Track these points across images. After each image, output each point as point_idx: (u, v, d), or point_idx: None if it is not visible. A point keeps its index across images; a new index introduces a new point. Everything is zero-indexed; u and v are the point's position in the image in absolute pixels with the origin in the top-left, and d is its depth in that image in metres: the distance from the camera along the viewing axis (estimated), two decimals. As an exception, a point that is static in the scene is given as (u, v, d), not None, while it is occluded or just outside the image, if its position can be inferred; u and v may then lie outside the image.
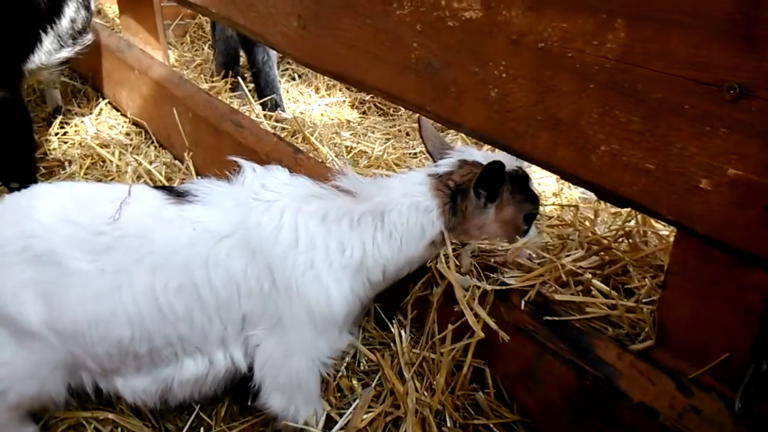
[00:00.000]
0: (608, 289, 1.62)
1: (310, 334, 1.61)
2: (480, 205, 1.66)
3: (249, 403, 1.82)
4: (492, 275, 1.66)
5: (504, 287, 1.62)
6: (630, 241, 1.77)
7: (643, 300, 1.55)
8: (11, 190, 2.81)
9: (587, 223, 2.06)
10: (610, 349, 1.47)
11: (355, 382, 1.88)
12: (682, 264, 1.31)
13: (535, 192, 1.76)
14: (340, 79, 2.03)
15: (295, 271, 1.56)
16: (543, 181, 3.10)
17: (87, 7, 3.34)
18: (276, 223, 1.58)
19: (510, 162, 1.71)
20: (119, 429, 1.84)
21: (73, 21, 3.21)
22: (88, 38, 3.43)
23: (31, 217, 1.56)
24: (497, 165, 1.57)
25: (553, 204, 2.47)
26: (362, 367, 1.92)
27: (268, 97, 3.81)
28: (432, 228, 1.66)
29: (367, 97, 4.18)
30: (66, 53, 3.24)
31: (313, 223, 1.60)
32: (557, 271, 1.65)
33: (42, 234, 1.53)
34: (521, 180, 1.73)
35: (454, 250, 1.66)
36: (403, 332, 1.84)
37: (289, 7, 2.04)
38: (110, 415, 1.83)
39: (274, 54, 3.88)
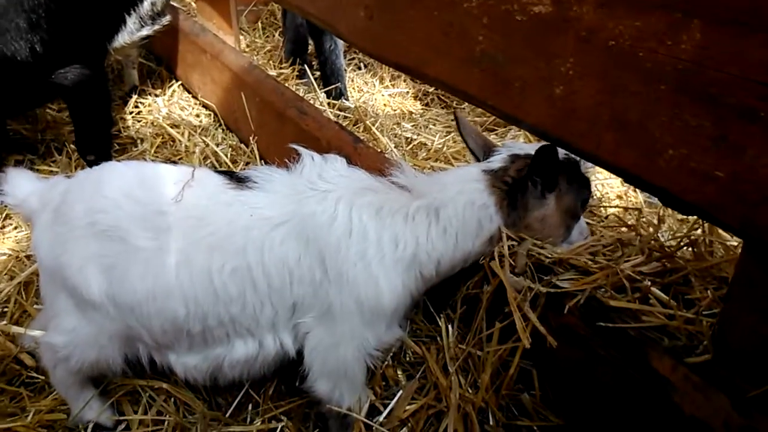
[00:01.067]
0: (667, 298, 1.56)
1: (358, 324, 1.62)
2: (539, 196, 1.65)
3: (297, 385, 1.87)
4: (546, 277, 1.63)
5: (557, 290, 1.59)
6: (695, 249, 1.70)
7: (704, 312, 1.48)
8: (88, 163, 2.96)
9: (650, 228, 1.99)
10: (665, 360, 1.42)
11: (400, 372, 1.89)
12: (748, 277, 1.24)
13: (586, 176, 1.74)
14: (403, 70, 2.02)
15: (346, 261, 1.58)
16: (607, 183, 3.01)
17: None
18: (330, 213, 1.60)
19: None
20: (172, 399, 1.92)
21: (153, 4, 3.37)
22: (166, 19, 3.58)
23: (100, 194, 1.63)
24: (549, 149, 1.55)
25: (617, 207, 2.40)
26: (408, 359, 1.93)
27: (333, 86, 3.85)
28: (490, 223, 1.65)
29: (431, 89, 4.16)
30: (145, 32, 3.41)
31: (366, 216, 1.61)
32: (615, 276, 1.60)
33: (109, 210, 1.60)
34: (573, 166, 1.72)
35: (509, 248, 1.64)
36: (450, 327, 1.83)
37: (358, -4, 2.05)
38: (164, 385, 1.91)
39: (341, 43, 3.91)
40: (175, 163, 3.18)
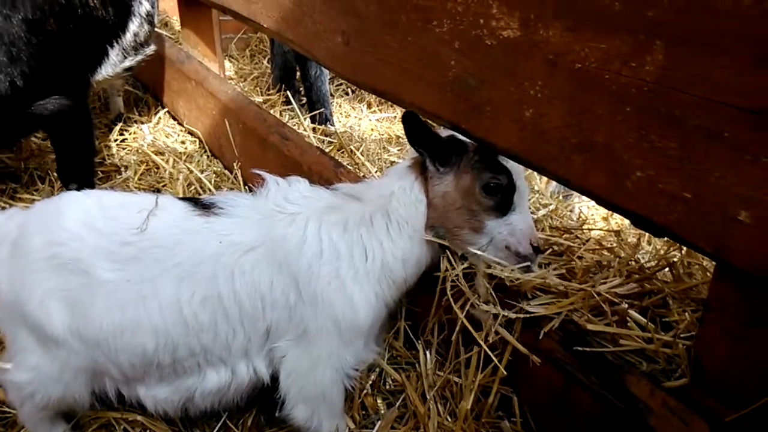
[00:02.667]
0: (645, 320, 1.54)
1: (335, 344, 1.61)
2: (435, 170, 1.69)
3: (276, 414, 1.83)
4: (518, 303, 1.61)
5: (530, 315, 1.56)
6: (673, 271, 1.68)
7: (681, 335, 1.46)
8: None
9: (630, 250, 1.97)
10: (643, 384, 1.40)
11: (379, 400, 1.86)
12: (721, 300, 1.23)
13: (503, 164, 1.67)
14: (379, 95, 2.03)
15: (320, 282, 1.57)
16: (592, 205, 3.01)
17: (150, 22, 3.50)
18: (300, 236, 1.60)
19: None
20: (147, 431, 1.88)
21: (135, 35, 3.35)
22: (150, 49, 3.58)
23: (60, 225, 1.58)
24: (409, 114, 1.63)
25: (600, 229, 2.39)
26: (388, 386, 1.89)
27: (318, 111, 3.87)
28: (422, 204, 1.68)
29: (418, 114, 4.18)
30: (129, 63, 3.40)
31: (336, 234, 1.62)
32: (591, 298, 1.58)
33: (69, 242, 1.56)
34: (486, 151, 1.67)
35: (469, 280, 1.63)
36: (428, 353, 1.81)
37: (334, 23, 2.06)
38: (139, 417, 1.87)
39: (327, 70, 3.93)
40: (159, 190, 3.16)
